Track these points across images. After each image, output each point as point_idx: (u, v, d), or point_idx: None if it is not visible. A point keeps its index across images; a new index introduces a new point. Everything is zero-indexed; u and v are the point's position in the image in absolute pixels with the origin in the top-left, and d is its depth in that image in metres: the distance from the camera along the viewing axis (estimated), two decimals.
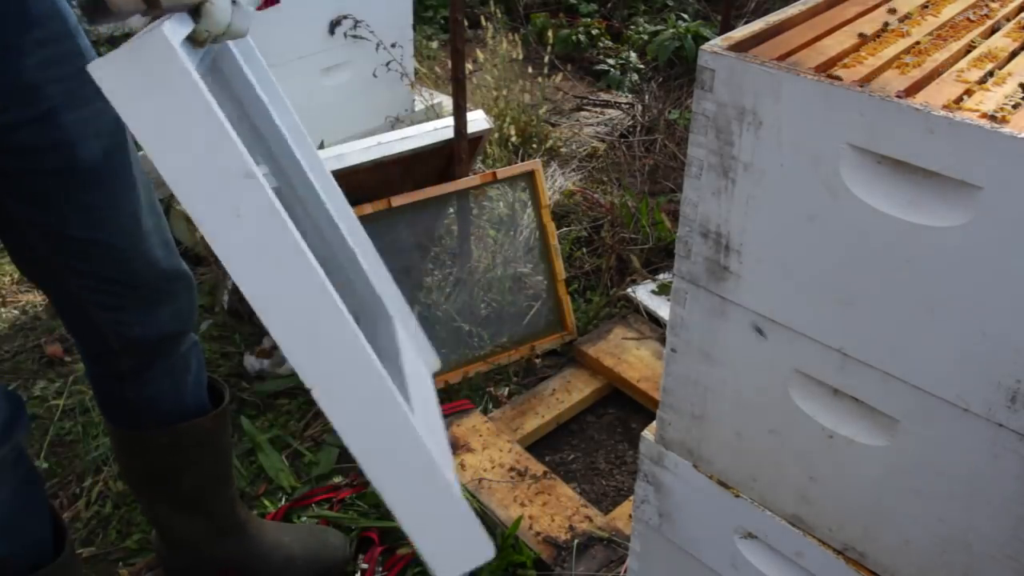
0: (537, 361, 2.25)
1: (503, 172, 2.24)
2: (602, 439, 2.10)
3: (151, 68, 0.71)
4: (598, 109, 3.50)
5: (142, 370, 1.37)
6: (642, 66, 3.74)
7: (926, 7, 0.98)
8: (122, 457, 1.52)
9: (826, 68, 0.82)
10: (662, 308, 2.31)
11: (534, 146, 3.07)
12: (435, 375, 2.10)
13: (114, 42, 3.98)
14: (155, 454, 1.45)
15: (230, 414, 1.53)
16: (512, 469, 1.87)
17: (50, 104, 1.10)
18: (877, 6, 0.98)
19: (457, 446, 1.93)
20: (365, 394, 0.84)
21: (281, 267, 0.79)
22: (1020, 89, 0.79)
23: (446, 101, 2.94)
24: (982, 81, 0.81)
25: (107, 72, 0.71)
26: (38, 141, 1.11)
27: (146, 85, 0.72)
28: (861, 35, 0.90)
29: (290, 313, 0.80)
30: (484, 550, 0.92)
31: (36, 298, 2.50)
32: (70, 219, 1.18)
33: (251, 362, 2.18)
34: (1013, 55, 0.88)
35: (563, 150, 3.17)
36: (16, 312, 2.46)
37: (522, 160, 2.89)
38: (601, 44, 3.90)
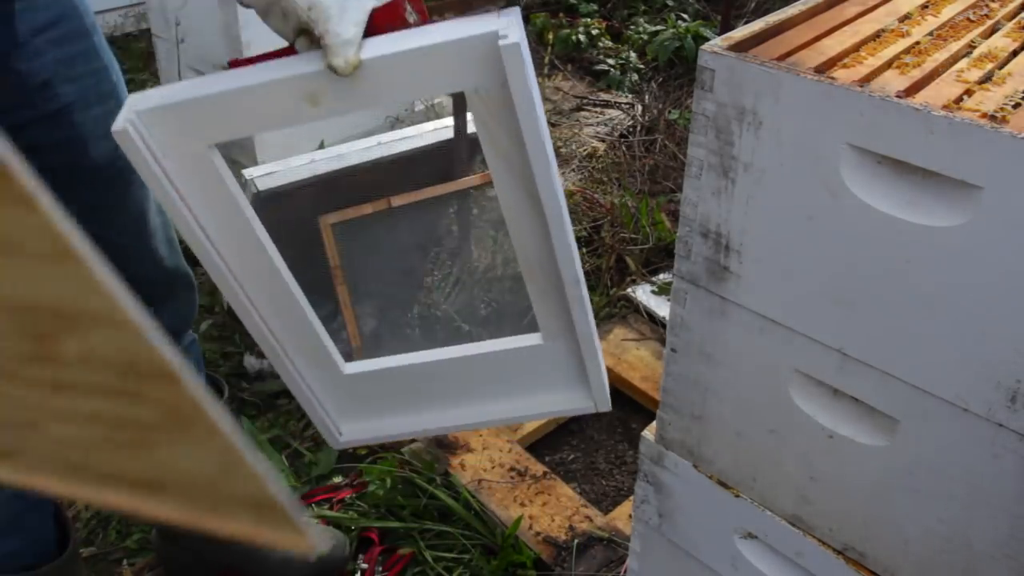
0: None
1: None
2: (602, 439, 2.10)
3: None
4: (598, 109, 3.50)
5: None
6: (642, 66, 3.74)
7: (926, 7, 0.98)
8: None
9: (826, 68, 0.82)
10: (662, 308, 2.31)
11: None
12: None
13: (114, 41, 3.98)
14: None
15: (228, 411, 1.53)
16: (512, 469, 1.87)
17: (64, 102, 1.10)
18: (877, 6, 0.98)
19: (457, 446, 1.93)
20: None
21: None
22: (986, 69, 0.79)
23: (446, 101, 2.93)
24: (982, 81, 0.81)
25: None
26: (50, 139, 1.11)
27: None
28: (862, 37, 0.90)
29: None
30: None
31: None
32: (75, 215, 1.18)
33: (251, 362, 2.18)
34: (1013, 55, 0.87)
35: (563, 150, 3.17)
36: None
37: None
38: (601, 44, 3.90)
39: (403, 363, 1.06)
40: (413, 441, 1.95)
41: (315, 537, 0.43)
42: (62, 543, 1.32)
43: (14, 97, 1.06)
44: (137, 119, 0.78)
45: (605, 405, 1.04)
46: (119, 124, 0.77)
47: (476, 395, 1.08)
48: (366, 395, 1.09)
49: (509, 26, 0.75)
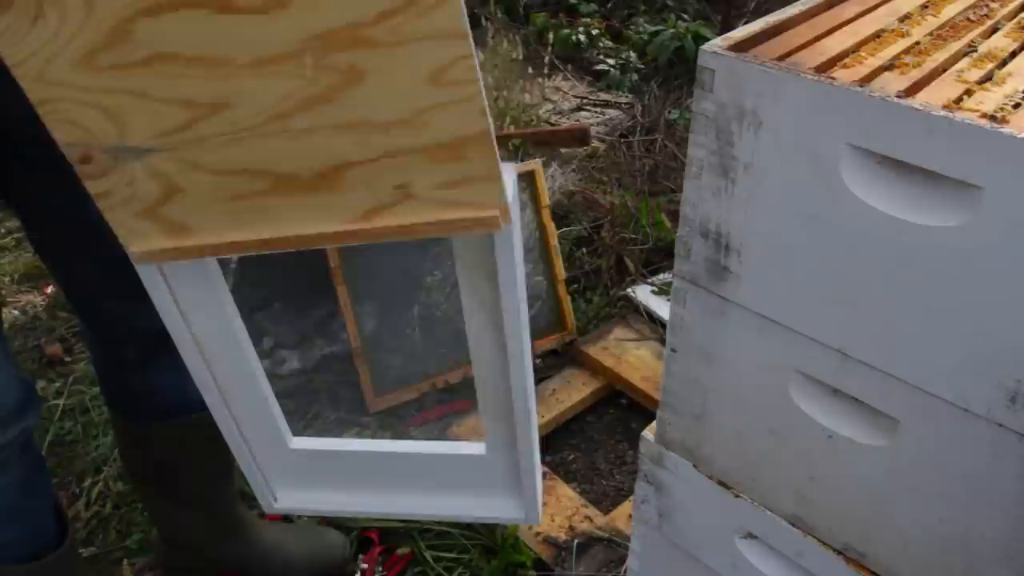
0: (537, 361, 2.25)
1: None
2: (602, 439, 2.10)
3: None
4: (598, 109, 3.50)
5: (147, 361, 1.37)
6: (642, 66, 3.74)
7: (926, 7, 0.98)
8: (125, 450, 1.52)
9: (826, 68, 0.82)
10: (662, 308, 2.31)
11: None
12: (436, 375, 2.11)
13: None
14: (158, 447, 1.45)
15: None
16: None
17: None
18: (877, 6, 0.98)
19: None
20: None
21: None
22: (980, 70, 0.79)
23: None
24: (982, 81, 0.81)
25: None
26: None
27: None
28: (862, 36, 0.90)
29: None
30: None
31: (36, 298, 2.50)
32: (90, 203, 1.19)
33: None
34: (1013, 55, 0.88)
35: (563, 150, 3.17)
36: (16, 312, 2.46)
37: (522, 160, 2.89)
38: (601, 44, 3.90)
39: (348, 447, 1.12)
40: None
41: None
42: (62, 536, 1.33)
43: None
44: None
45: (535, 519, 1.09)
46: None
47: (412, 487, 1.12)
48: (307, 469, 1.14)
49: (507, 182, 0.78)
